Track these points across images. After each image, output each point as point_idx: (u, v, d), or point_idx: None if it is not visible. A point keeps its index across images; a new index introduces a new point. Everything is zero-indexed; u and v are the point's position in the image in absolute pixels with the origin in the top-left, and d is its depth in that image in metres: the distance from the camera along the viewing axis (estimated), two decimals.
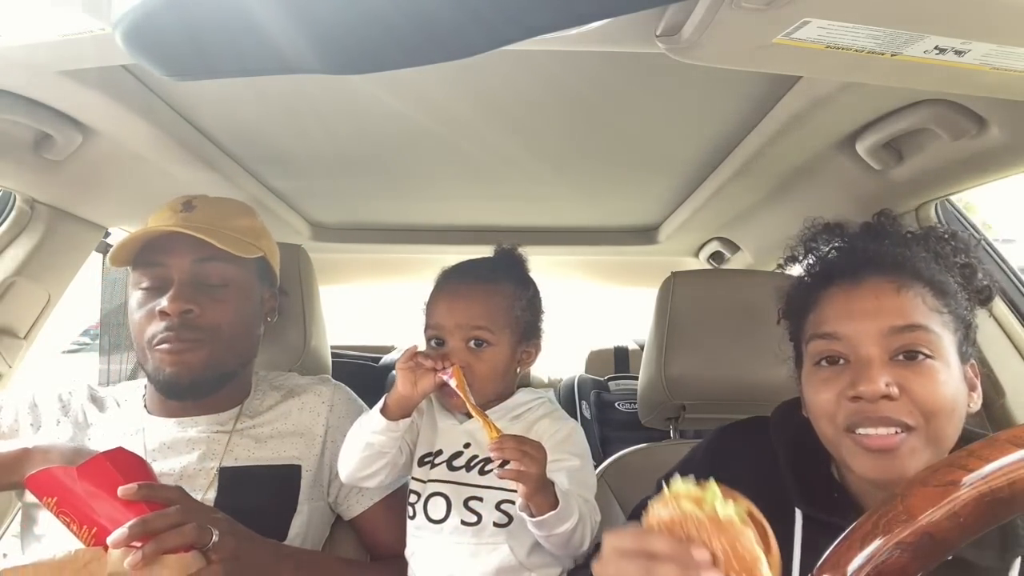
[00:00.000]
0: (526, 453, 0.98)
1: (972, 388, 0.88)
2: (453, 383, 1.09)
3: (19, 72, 1.03)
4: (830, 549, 0.56)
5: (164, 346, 1.16)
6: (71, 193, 1.53)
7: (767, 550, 0.63)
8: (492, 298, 1.18)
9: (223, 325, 1.20)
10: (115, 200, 1.65)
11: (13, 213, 1.53)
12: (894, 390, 0.81)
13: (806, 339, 0.92)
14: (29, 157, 1.31)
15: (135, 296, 1.21)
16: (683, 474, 0.99)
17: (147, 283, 1.20)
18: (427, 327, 1.20)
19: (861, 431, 0.83)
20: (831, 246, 0.99)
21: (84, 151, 1.33)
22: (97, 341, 2.34)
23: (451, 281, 1.21)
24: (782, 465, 0.95)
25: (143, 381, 1.34)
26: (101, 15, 0.74)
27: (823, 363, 0.89)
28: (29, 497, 1.19)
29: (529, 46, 0.74)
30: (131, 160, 1.42)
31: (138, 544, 0.88)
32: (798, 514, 0.91)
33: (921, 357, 0.83)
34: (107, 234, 1.80)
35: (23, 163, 1.33)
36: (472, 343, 1.15)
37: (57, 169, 1.37)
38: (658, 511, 0.67)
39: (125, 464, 0.96)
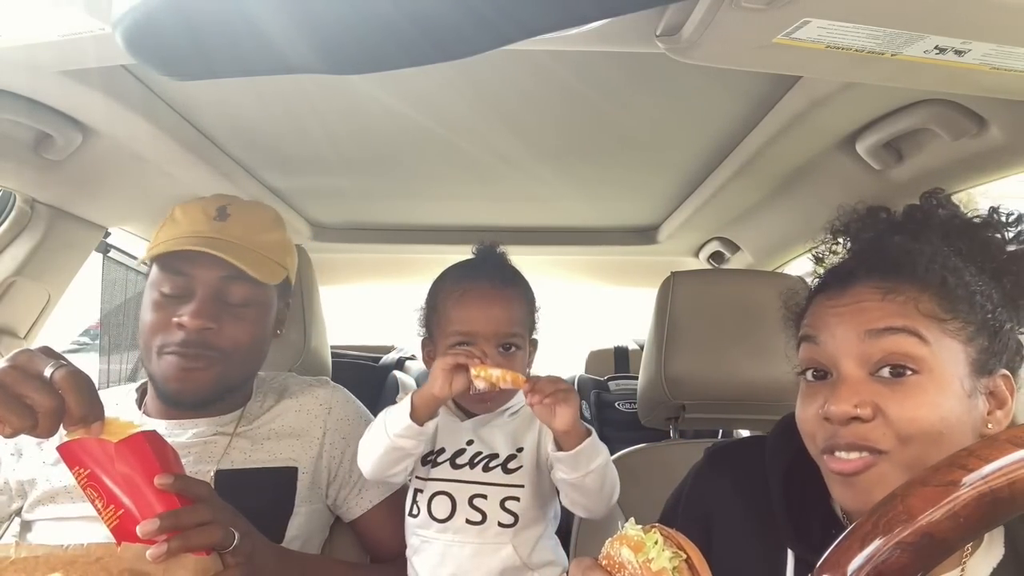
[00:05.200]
0: (560, 390, 1.01)
1: (1000, 405, 0.76)
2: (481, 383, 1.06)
3: (19, 72, 1.03)
4: (830, 549, 0.56)
5: (173, 359, 1.14)
6: (71, 193, 1.53)
7: None
8: (520, 301, 1.21)
9: (238, 345, 1.18)
10: (115, 200, 1.65)
11: (13, 213, 1.53)
12: (866, 412, 0.74)
13: (797, 343, 0.86)
14: (29, 157, 1.31)
15: (151, 297, 1.18)
16: (675, 501, 1.01)
17: (168, 289, 1.16)
18: (452, 332, 1.17)
19: (838, 454, 0.76)
20: (855, 240, 0.89)
21: (84, 151, 1.33)
22: (97, 341, 2.34)
23: (481, 285, 1.19)
24: (774, 497, 0.86)
25: (134, 385, 1.33)
26: (101, 15, 0.74)
27: (809, 375, 0.82)
28: (28, 512, 1.18)
29: (529, 46, 0.74)
30: (131, 160, 1.42)
31: (163, 537, 0.88)
32: (790, 555, 0.83)
33: (908, 373, 0.74)
34: (107, 234, 1.80)
35: (23, 163, 1.33)
36: (502, 347, 1.16)
37: (57, 169, 1.37)
38: (609, 549, 0.72)
39: (159, 449, 0.95)
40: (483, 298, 1.17)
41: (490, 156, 1.56)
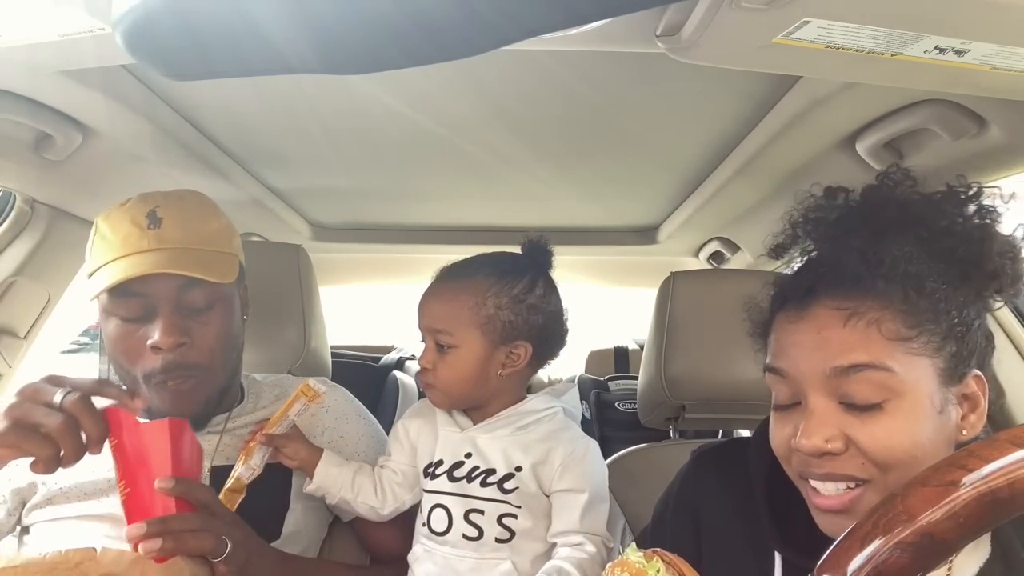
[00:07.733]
0: None
1: (973, 407, 0.75)
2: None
3: (19, 72, 1.03)
4: (830, 549, 0.56)
5: (162, 387, 1.10)
6: (71, 193, 1.53)
7: None
8: (456, 297, 1.12)
9: (215, 350, 1.13)
10: (115, 200, 1.63)
11: (13, 213, 1.53)
12: (837, 445, 0.72)
13: (764, 366, 0.83)
14: (29, 157, 1.31)
15: (112, 324, 1.11)
16: (664, 504, 1.00)
17: (126, 313, 1.09)
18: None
19: (812, 483, 0.75)
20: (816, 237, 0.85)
21: (84, 151, 1.33)
22: (97, 341, 2.34)
23: (435, 279, 1.21)
24: (758, 500, 0.85)
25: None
26: (101, 15, 0.74)
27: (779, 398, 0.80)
28: (25, 516, 1.18)
29: (529, 46, 0.74)
30: (131, 160, 1.42)
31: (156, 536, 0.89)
32: (777, 557, 0.83)
33: (878, 403, 0.72)
34: None
35: (23, 163, 1.33)
36: (437, 345, 1.14)
37: (57, 169, 1.37)
38: (609, 575, 0.71)
39: (178, 442, 0.95)
40: (427, 291, 1.18)
41: (490, 156, 1.56)
